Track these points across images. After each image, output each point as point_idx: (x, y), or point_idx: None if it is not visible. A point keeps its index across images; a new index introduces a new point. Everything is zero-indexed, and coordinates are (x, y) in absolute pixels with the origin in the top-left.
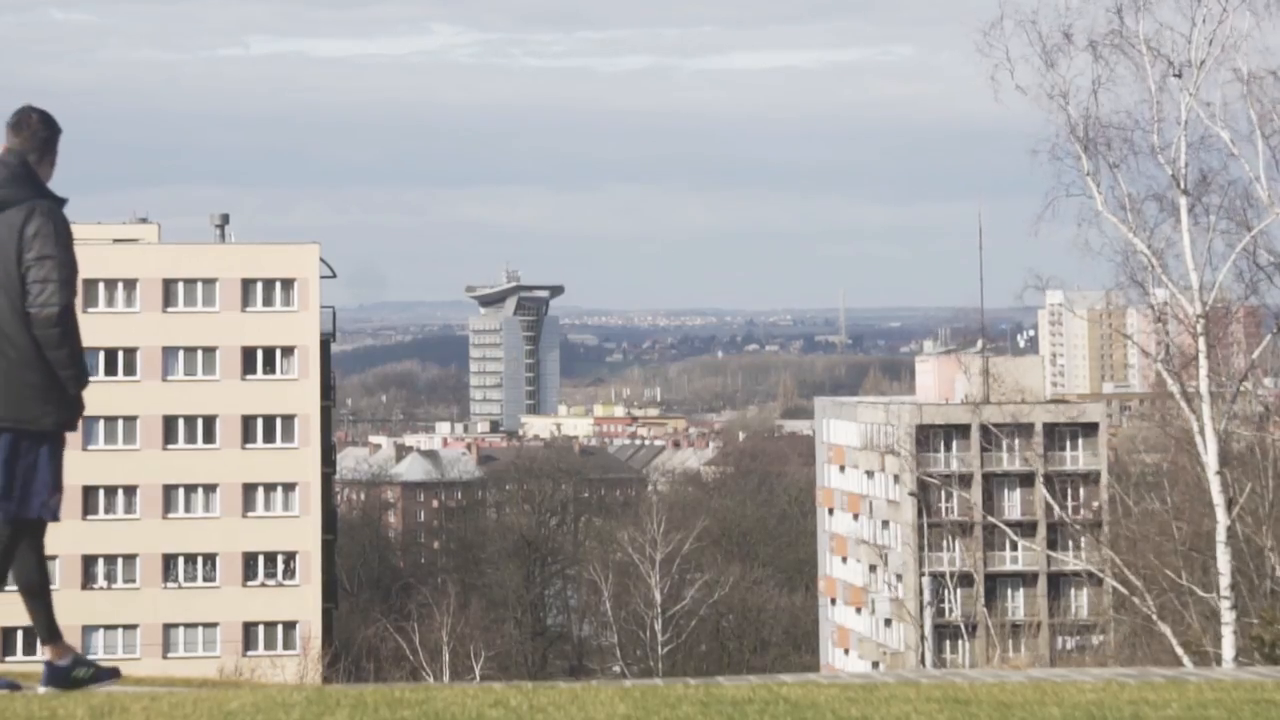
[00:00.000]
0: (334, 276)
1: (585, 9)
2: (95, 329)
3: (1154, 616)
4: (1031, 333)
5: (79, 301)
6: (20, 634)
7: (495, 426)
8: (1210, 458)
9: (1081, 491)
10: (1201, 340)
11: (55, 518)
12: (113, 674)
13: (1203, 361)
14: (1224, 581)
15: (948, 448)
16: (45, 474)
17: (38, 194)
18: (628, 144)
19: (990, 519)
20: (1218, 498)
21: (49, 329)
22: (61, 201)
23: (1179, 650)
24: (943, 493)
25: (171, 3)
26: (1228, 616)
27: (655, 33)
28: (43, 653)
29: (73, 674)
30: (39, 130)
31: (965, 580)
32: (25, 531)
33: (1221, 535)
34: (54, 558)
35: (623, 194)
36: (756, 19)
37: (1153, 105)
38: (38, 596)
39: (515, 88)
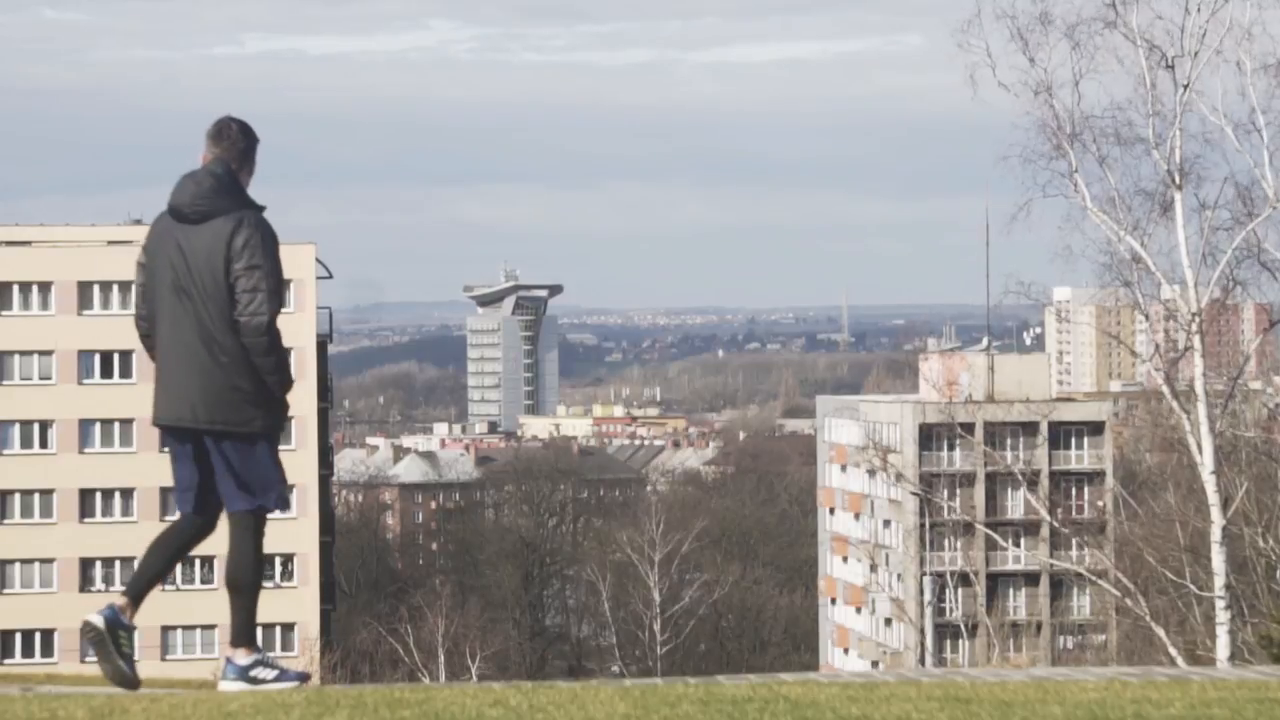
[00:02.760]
0: (330, 277)
1: (585, 2)
2: (90, 332)
3: (1147, 618)
4: (1038, 330)
5: (75, 304)
6: (18, 636)
7: (493, 427)
8: (1205, 458)
9: (1086, 491)
10: (1196, 338)
11: (281, 507)
12: (300, 677)
13: (1198, 360)
14: (1219, 582)
15: (950, 447)
16: (268, 471)
17: (243, 204)
18: (628, 140)
19: (983, 528)
20: (1213, 498)
21: (258, 337)
22: (262, 209)
23: (1173, 651)
24: (945, 491)
25: (165, 1)
26: (1222, 617)
27: (656, 25)
28: (225, 649)
29: (251, 673)
30: (238, 141)
31: (966, 580)
32: (207, 528)
33: (1217, 535)
34: (51, 560)
35: (622, 191)
36: (759, 9)
37: (1147, 98)
38: (241, 594)
39: (514, 83)
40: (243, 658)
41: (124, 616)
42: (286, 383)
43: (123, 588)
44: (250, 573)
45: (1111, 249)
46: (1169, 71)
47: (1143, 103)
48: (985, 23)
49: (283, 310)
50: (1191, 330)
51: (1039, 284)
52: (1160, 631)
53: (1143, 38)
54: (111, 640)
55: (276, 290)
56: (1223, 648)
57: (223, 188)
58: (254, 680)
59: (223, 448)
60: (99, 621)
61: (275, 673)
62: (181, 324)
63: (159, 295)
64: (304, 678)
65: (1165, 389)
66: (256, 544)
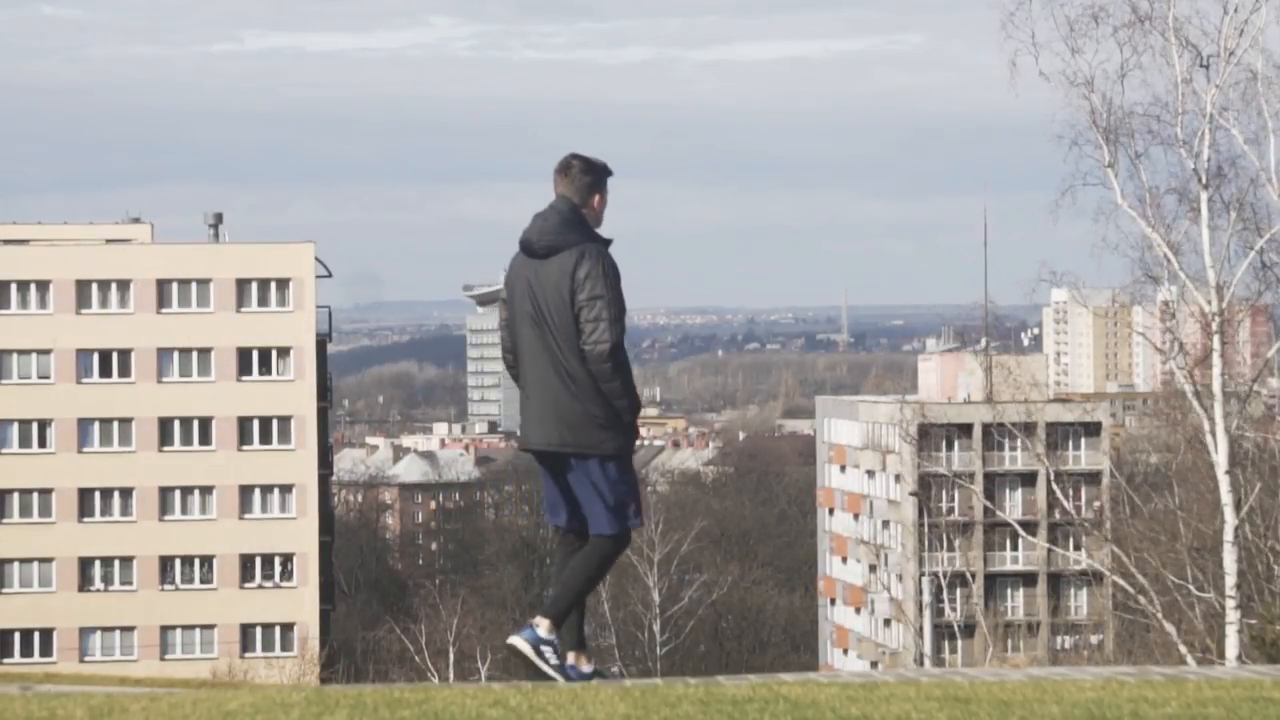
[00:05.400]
0: (330, 276)
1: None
2: (89, 331)
3: (1159, 615)
4: (1036, 331)
5: (73, 303)
6: (17, 635)
7: (493, 427)
8: (1220, 457)
9: (1084, 491)
10: (1216, 339)
11: (638, 524)
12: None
13: (1217, 360)
14: (1230, 581)
15: (949, 447)
16: (624, 490)
17: (587, 238)
18: (628, 138)
19: (994, 508)
20: (1226, 498)
21: (602, 364)
22: (608, 242)
23: (1183, 649)
24: (943, 492)
25: None
26: (1232, 616)
27: (658, 23)
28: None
29: (542, 646)
30: (578, 177)
31: (965, 580)
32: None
33: (1229, 535)
34: (50, 560)
35: (623, 189)
36: (761, 7)
37: (1178, 96)
38: (573, 582)
39: (514, 81)
40: (545, 630)
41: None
42: (634, 406)
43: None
44: (589, 576)
45: (1143, 245)
46: (1204, 70)
47: (1174, 101)
48: (1034, 9)
49: (622, 335)
50: (1213, 331)
51: (1072, 273)
52: (1172, 629)
53: (1178, 34)
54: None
55: (618, 319)
56: (1231, 647)
57: (566, 223)
58: (540, 654)
59: (583, 469)
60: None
61: (557, 662)
62: (538, 354)
63: (519, 328)
64: (571, 680)
65: (1187, 388)
66: (605, 559)
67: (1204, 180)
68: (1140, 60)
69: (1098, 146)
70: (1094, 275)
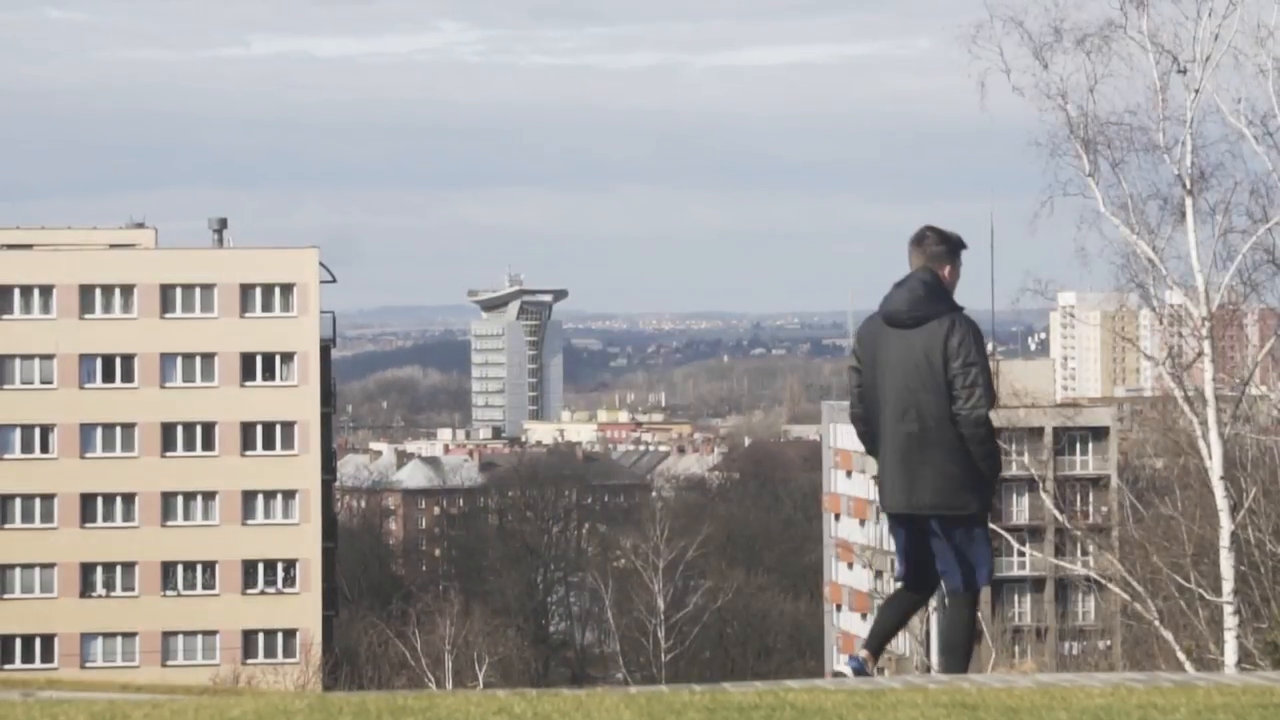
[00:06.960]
0: (334, 281)
1: (595, 4)
2: (92, 336)
3: (1157, 622)
4: (1043, 335)
5: (76, 308)
6: (19, 641)
7: (497, 433)
8: (1214, 463)
9: (1091, 496)
10: (1206, 343)
11: (986, 584)
12: None
13: (1207, 365)
14: (1227, 586)
15: None
16: (981, 550)
17: (951, 306)
18: (635, 143)
19: (994, 527)
20: (1221, 503)
21: (978, 428)
22: (962, 309)
23: (1181, 656)
24: None
25: (170, 1)
26: (1230, 621)
27: (666, 28)
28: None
29: None
30: (931, 247)
31: None
32: (923, 601)
33: (1225, 540)
34: (52, 565)
35: (629, 194)
36: (769, 11)
37: (1157, 103)
38: (954, 658)
39: (521, 86)
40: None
41: (869, 667)
42: (998, 469)
43: (863, 640)
44: (963, 642)
45: (1126, 251)
46: (1181, 76)
47: (1154, 108)
48: (996, 27)
49: (994, 400)
50: (1202, 334)
51: (1056, 282)
52: (1169, 636)
53: (1153, 41)
54: None
55: (989, 384)
56: (1230, 653)
57: (932, 293)
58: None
59: (943, 530)
60: (848, 672)
61: None
62: (899, 419)
63: (880, 394)
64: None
65: (1177, 393)
66: (970, 617)
67: (1188, 186)
68: (1117, 68)
69: (1077, 156)
70: (1081, 283)
